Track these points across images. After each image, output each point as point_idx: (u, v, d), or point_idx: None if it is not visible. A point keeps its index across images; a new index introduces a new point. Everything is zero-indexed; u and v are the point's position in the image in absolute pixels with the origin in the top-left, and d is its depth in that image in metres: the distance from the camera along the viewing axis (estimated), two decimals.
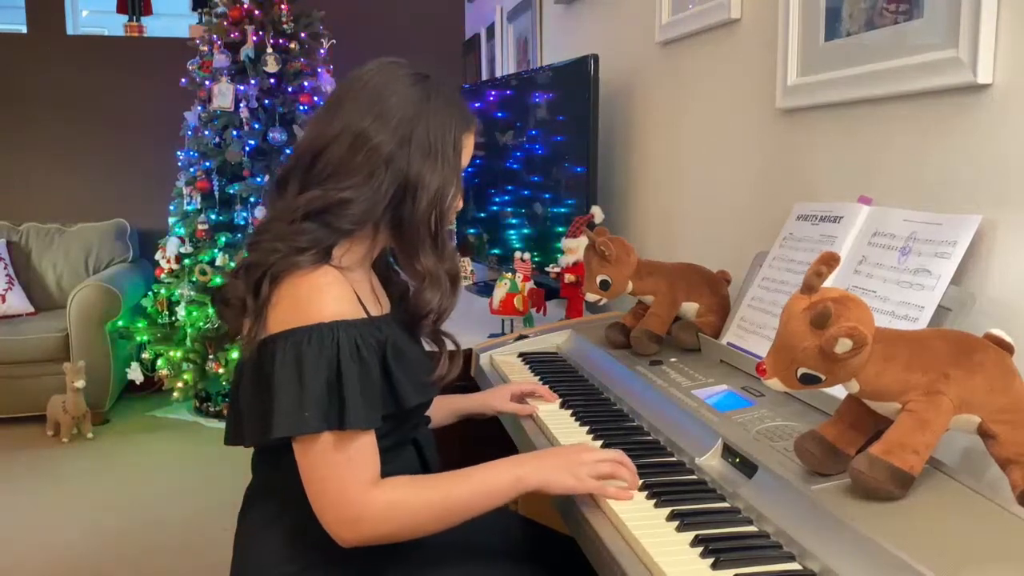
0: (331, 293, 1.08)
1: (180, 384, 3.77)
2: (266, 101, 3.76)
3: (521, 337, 1.81)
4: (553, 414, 1.37)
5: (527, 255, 2.13)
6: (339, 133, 1.12)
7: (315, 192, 1.12)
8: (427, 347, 1.27)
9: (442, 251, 1.18)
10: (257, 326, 1.08)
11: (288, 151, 3.61)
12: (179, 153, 3.88)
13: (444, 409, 1.45)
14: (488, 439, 1.53)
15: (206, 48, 3.79)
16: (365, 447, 1.06)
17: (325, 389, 1.03)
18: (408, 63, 1.20)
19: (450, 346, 1.25)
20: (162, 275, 3.84)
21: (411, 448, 1.24)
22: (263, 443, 1.11)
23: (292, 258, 1.08)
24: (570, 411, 1.38)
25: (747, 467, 1.03)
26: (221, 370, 3.66)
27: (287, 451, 1.07)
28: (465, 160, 1.21)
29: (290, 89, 3.79)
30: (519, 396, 1.43)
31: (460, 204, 1.23)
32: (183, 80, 3.89)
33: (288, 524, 1.14)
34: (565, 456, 1.10)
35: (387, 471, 1.08)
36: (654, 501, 1.02)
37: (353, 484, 1.04)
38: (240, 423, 1.13)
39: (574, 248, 1.97)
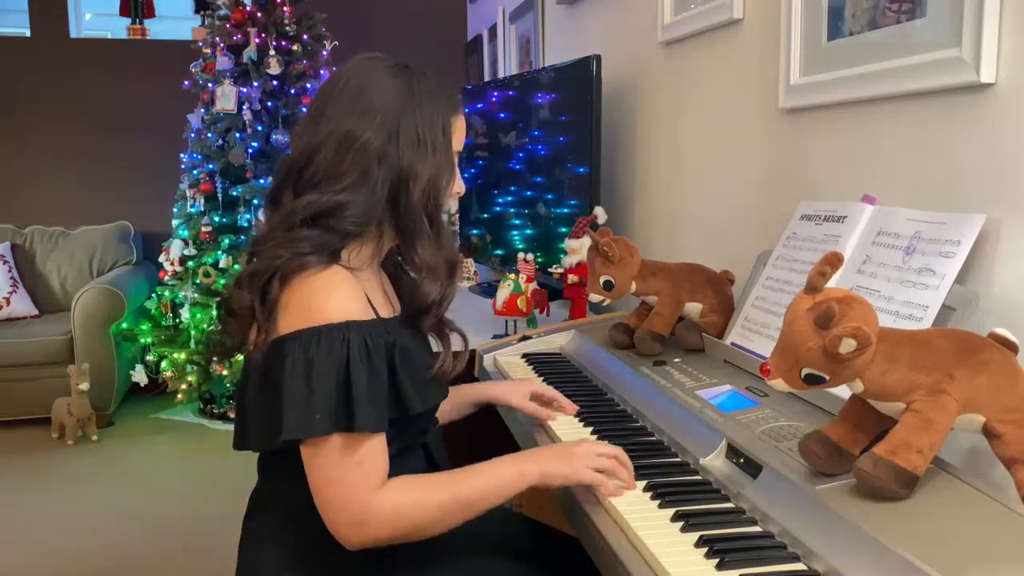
0: (341, 292, 1.07)
1: (184, 386, 3.78)
2: (269, 103, 3.77)
3: (525, 338, 1.81)
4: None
5: (530, 256, 2.13)
6: (326, 137, 1.11)
7: (311, 196, 1.10)
8: (434, 346, 1.25)
9: (439, 240, 1.16)
10: (267, 328, 1.07)
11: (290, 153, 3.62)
12: (182, 155, 3.89)
13: (457, 401, 1.40)
14: (497, 439, 1.51)
15: (209, 50, 3.80)
16: (375, 449, 1.05)
17: (334, 391, 1.02)
18: (386, 56, 1.18)
19: (457, 345, 1.23)
20: (166, 277, 3.85)
21: (419, 452, 1.23)
22: (272, 447, 1.10)
23: (299, 259, 1.07)
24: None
25: (751, 467, 1.03)
26: (225, 372, 3.66)
27: (294, 457, 1.06)
28: (457, 143, 1.19)
29: (293, 91, 3.80)
30: (538, 397, 1.39)
31: (460, 188, 1.22)
32: (186, 83, 3.90)
33: (293, 531, 1.13)
34: (565, 448, 1.11)
35: (395, 475, 1.07)
36: (658, 502, 1.02)
37: (361, 487, 1.03)
38: (247, 427, 1.12)
39: (577, 249, 1.96)
